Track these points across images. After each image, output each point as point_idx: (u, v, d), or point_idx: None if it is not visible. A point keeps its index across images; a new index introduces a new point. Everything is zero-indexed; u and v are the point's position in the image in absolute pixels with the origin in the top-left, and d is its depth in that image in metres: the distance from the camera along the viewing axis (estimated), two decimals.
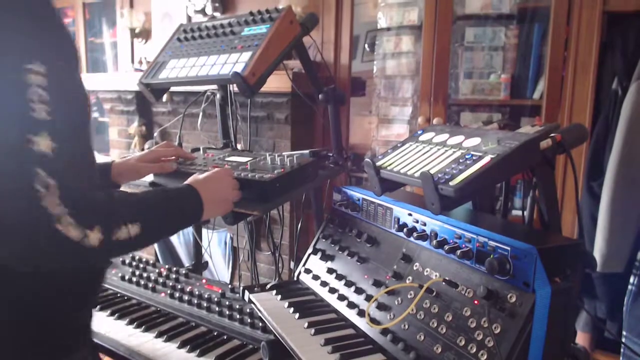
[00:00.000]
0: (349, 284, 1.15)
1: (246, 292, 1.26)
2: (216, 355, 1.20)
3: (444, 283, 0.93)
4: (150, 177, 1.33)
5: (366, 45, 2.90)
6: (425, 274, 0.99)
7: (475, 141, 0.97)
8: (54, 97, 0.68)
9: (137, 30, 3.43)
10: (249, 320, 1.29)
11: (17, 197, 0.64)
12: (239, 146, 1.90)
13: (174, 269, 1.66)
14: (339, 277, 1.19)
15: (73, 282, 0.88)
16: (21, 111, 0.66)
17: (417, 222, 1.05)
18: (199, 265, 1.98)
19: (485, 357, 0.80)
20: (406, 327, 0.96)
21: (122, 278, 1.62)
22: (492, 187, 1.22)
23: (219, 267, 2.97)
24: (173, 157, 1.35)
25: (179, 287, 1.51)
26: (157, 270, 1.66)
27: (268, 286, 1.29)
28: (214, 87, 1.75)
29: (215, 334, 1.31)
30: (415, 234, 1.03)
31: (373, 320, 1.02)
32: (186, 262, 3.17)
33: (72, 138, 0.71)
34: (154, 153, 1.31)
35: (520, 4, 2.33)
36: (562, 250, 0.83)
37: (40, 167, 0.65)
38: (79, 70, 0.79)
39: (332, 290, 1.17)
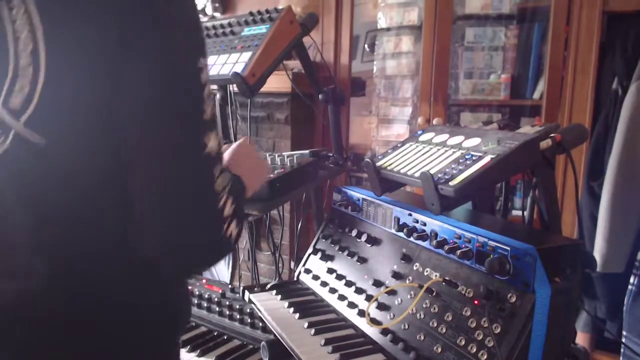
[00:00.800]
0: (349, 284, 1.15)
1: (246, 292, 1.26)
2: (216, 355, 1.20)
3: (444, 283, 0.93)
4: None
5: (366, 46, 2.90)
6: (425, 274, 0.99)
7: (475, 141, 0.97)
8: (208, 93, 0.67)
9: None
10: (249, 320, 1.29)
11: (201, 205, 0.64)
12: None
13: None
14: (339, 277, 1.19)
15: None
16: (199, 114, 0.64)
17: (417, 222, 1.05)
18: None
19: (485, 357, 0.81)
20: (406, 327, 0.96)
21: None
22: (492, 187, 1.22)
23: (219, 267, 2.97)
24: None
25: None
26: None
27: (268, 286, 1.29)
28: (214, 87, 1.75)
29: (215, 334, 1.31)
30: (415, 234, 1.03)
31: (373, 320, 1.02)
32: None
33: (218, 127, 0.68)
34: None
35: (520, 4, 2.33)
36: (562, 251, 0.83)
37: (214, 169, 0.65)
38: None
39: (332, 290, 1.17)
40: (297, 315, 1.13)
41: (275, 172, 1.18)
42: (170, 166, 0.63)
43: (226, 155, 0.98)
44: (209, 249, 0.66)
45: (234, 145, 1.02)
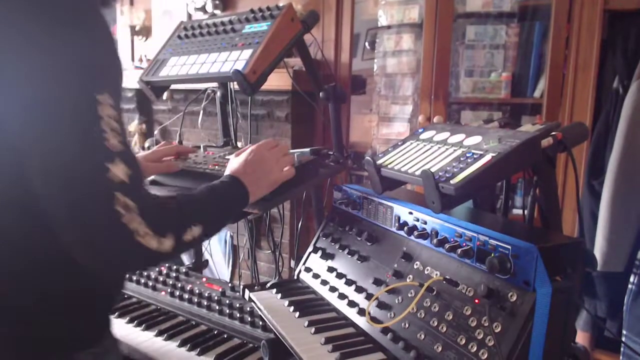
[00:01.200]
0: (349, 282, 1.15)
1: (246, 291, 1.26)
2: (216, 354, 1.20)
3: (444, 282, 0.92)
4: (150, 176, 1.33)
5: (367, 43, 2.89)
6: (426, 272, 0.99)
7: (476, 139, 0.96)
8: (121, 125, 0.73)
9: (137, 28, 3.43)
10: (249, 319, 1.29)
11: (102, 218, 0.70)
12: (239, 144, 1.90)
13: (174, 267, 1.66)
14: (339, 275, 1.19)
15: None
16: (97, 141, 0.70)
17: (417, 220, 1.04)
18: (199, 263, 1.98)
19: (485, 356, 0.80)
20: (406, 326, 0.96)
21: None
22: (493, 185, 1.22)
23: (219, 266, 2.97)
24: (174, 156, 1.36)
25: (179, 285, 1.51)
26: (157, 269, 1.66)
27: (268, 285, 1.29)
28: (215, 84, 1.74)
29: (215, 332, 1.31)
30: (415, 233, 1.03)
31: (373, 319, 1.02)
32: (186, 260, 3.17)
33: (134, 159, 0.74)
34: (157, 153, 1.32)
35: (521, 2, 2.32)
36: (562, 249, 0.83)
37: (119, 192, 0.70)
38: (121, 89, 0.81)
39: (333, 289, 1.17)
40: (297, 313, 1.13)
41: None
42: (67, 189, 0.69)
43: (240, 157, 1.08)
44: (106, 247, 0.72)
45: (250, 148, 1.10)
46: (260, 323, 1.27)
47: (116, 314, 1.40)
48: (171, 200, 0.83)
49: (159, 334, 1.30)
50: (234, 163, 1.08)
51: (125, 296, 1.52)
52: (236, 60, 1.26)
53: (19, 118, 0.69)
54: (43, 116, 0.68)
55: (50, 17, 0.69)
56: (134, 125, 3.30)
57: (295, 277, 1.33)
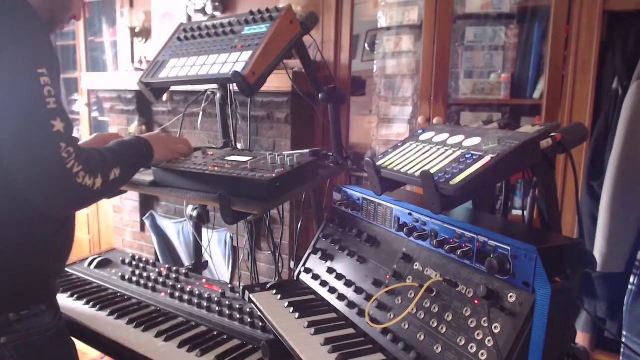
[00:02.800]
0: (349, 283, 1.15)
1: (246, 292, 1.26)
2: (216, 355, 1.20)
3: (444, 283, 0.93)
4: (150, 177, 1.34)
5: (366, 45, 2.90)
6: (426, 273, 0.99)
7: (475, 141, 0.97)
8: (55, 90, 0.95)
9: (137, 30, 3.43)
10: (249, 320, 1.29)
11: (52, 163, 0.92)
12: (239, 145, 1.90)
13: (174, 268, 1.66)
14: (339, 276, 1.19)
15: (41, 248, 1.13)
16: (43, 105, 0.93)
17: (417, 221, 1.04)
18: (199, 264, 1.98)
19: (485, 356, 0.80)
20: (406, 326, 0.96)
21: (122, 277, 1.62)
22: (493, 186, 1.22)
23: (219, 267, 2.97)
24: None
25: (179, 286, 1.51)
26: (157, 270, 1.66)
27: (268, 286, 1.29)
28: (214, 86, 1.74)
29: (215, 333, 1.31)
30: (415, 234, 1.03)
31: (373, 320, 1.02)
32: (186, 261, 3.17)
33: (67, 115, 0.97)
34: (99, 137, 1.45)
35: (521, 4, 2.33)
36: (562, 250, 0.83)
37: (62, 141, 0.93)
38: (59, 69, 1.06)
39: (332, 290, 1.17)
40: (297, 314, 1.13)
41: (275, 171, 1.18)
42: (21, 142, 0.92)
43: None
44: (57, 189, 0.94)
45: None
46: (260, 324, 1.27)
47: (115, 315, 1.40)
48: (92, 149, 1.03)
49: (159, 335, 1.30)
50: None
51: (125, 297, 1.53)
52: (236, 61, 1.27)
53: None
54: (4, 86, 0.91)
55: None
56: (133, 127, 3.30)
57: (295, 278, 1.33)
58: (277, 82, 2.36)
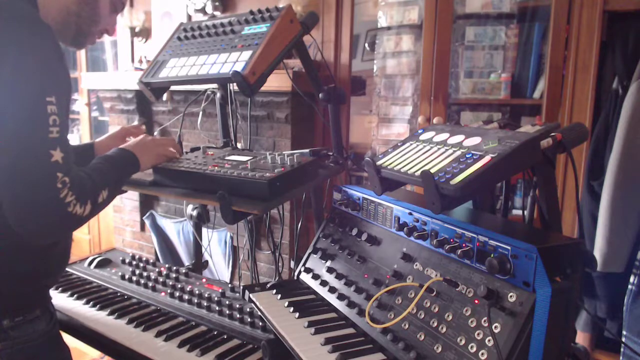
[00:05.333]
0: (349, 283, 1.15)
1: (246, 292, 1.26)
2: (216, 354, 1.20)
3: (444, 282, 0.93)
4: (150, 176, 1.34)
5: (366, 45, 2.90)
6: (426, 273, 0.99)
7: (475, 140, 0.97)
8: (61, 120, 0.94)
9: (137, 29, 3.43)
10: (249, 320, 1.29)
11: (47, 193, 0.90)
12: (239, 145, 1.90)
13: (174, 268, 1.66)
14: (339, 276, 1.19)
15: (38, 256, 1.11)
16: (45, 134, 0.91)
17: (417, 221, 1.04)
18: (199, 264, 1.98)
19: (485, 356, 0.80)
20: (406, 326, 0.96)
21: (122, 277, 1.62)
22: (493, 186, 1.22)
23: (219, 267, 2.97)
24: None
25: (179, 286, 1.51)
26: (157, 270, 1.66)
27: (268, 285, 1.29)
28: (214, 86, 1.75)
29: (215, 333, 1.31)
30: (415, 233, 1.03)
31: (373, 320, 1.02)
32: (186, 261, 3.17)
33: (67, 144, 0.96)
34: (123, 130, 1.50)
35: (521, 3, 2.32)
36: (562, 250, 0.83)
37: (58, 172, 0.91)
38: (70, 93, 1.05)
39: (332, 290, 1.17)
40: (297, 314, 1.13)
41: (276, 171, 1.18)
42: (16, 164, 0.90)
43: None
44: (47, 219, 0.92)
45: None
46: (260, 324, 1.27)
47: (115, 314, 1.40)
48: (82, 172, 1.01)
49: (159, 334, 1.30)
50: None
51: (125, 297, 1.53)
52: (236, 61, 1.27)
53: None
54: (8, 113, 0.90)
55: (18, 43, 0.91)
56: None
57: (295, 278, 1.33)
58: (277, 81, 2.36)
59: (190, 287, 1.51)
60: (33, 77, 0.92)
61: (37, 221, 0.91)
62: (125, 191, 1.37)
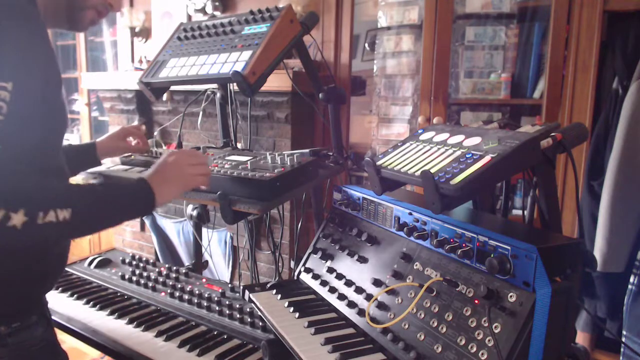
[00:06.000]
0: (349, 283, 1.15)
1: (246, 292, 1.26)
2: (216, 354, 1.20)
3: (444, 282, 0.92)
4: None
5: (366, 45, 2.90)
6: (426, 273, 0.99)
7: (475, 140, 0.97)
8: (11, 109, 0.79)
9: (137, 29, 3.43)
10: (249, 320, 1.29)
11: None
12: (239, 145, 1.90)
13: (174, 268, 1.66)
14: (339, 276, 1.19)
15: (34, 260, 1.01)
16: None
17: (417, 221, 1.04)
18: (199, 264, 1.98)
19: (485, 356, 0.80)
20: (406, 326, 0.96)
21: (122, 277, 1.62)
22: (493, 186, 1.22)
23: (219, 267, 2.97)
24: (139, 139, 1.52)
25: (179, 286, 1.51)
26: (157, 270, 1.66)
27: (268, 285, 1.29)
28: (214, 86, 1.74)
29: (215, 333, 1.31)
30: (415, 233, 1.03)
31: (373, 320, 1.02)
32: (186, 261, 3.17)
33: (18, 141, 0.81)
34: (124, 130, 1.48)
35: (521, 3, 2.33)
36: (562, 250, 0.83)
37: None
38: (59, 89, 0.93)
39: (332, 290, 1.17)
40: (297, 314, 1.13)
41: (276, 171, 1.18)
42: None
43: (157, 163, 1.08)
44: None
45: (165, 154, 1.10)
46: (260, 324, 1.27)
47: (116, 314, 1.40)
48: (45, 180, 0.86)
49: (159, 334, 1.30)
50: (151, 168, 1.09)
51: (125, 297, 1.53)
52: (236, 61, 1.27)
53: None
54: None
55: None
56: None
57: (295, 278, 1.33)
58: (277, 81, 2.36)
59: (190, 287, 1.51)
60: None
61: None
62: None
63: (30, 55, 0.85)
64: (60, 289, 1.58)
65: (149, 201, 1.00)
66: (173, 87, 2.67)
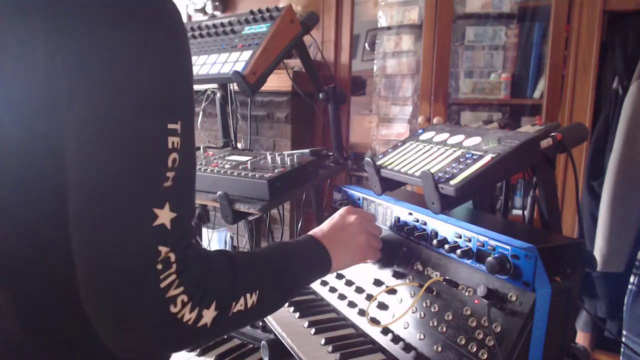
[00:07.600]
0: (349, 283, 1.15)
1: None
2: (216, 354, 1.20)
3: (444, 282, 0.93)
4: None
5: (366, 44, 2.90)
6: (426, 273, 0.99)
7: (475, 140, 0.97)
8: (182, 160, 0.58)
9: None
10: None
11: (135, 277, 0.54)
12: (239, 145, 1.90)
13: None
14: (339, 276, 1.19)
15: None
16: (154, 183, 0.55)
17: (417, 221, 1.04)
18: None
19: (485, 356, 0.80)
20: (406, 326, 0.96)
21: None
22: (493, 186, 1.22)
23: None
24: None
25: None
26: None
27: None
28: (214, 86, 1.74)
29: None
30: (415, 234, 1.03)
31: (373, 320, 1.02)
32: None
33: (186, 201, 0.60)
34: None
35: (521, 3, 2.33)
36: (562, 250, 0.83)
37: (162, 244, 0.55)
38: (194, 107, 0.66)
39: (332, 290, 1.17)
40: (297, 314, 1.13)
41: (276, 171, 1.18)
42: (106, 233, 0.54)
43: (329, 220, 0.97)
44: (133, 317, 0.55)
45: (337, 213, 0.98)
46: (260, 323, 1.27)
47: None
48: (223, 258, 0.64)
49: None
50: (321, 226, 0.94)
51: None
52: (236, 61, 1.27)
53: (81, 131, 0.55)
54: (106, 136, 0.54)
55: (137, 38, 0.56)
56: None
57: None
58: (277, 81, 2.36)
59: None
60: (154, 91, 0.56)
61: (116, 323, 0.55)
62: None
63: (184, 59, 0.62)
64: None
65: (325, 269, 0.86)
66: None
